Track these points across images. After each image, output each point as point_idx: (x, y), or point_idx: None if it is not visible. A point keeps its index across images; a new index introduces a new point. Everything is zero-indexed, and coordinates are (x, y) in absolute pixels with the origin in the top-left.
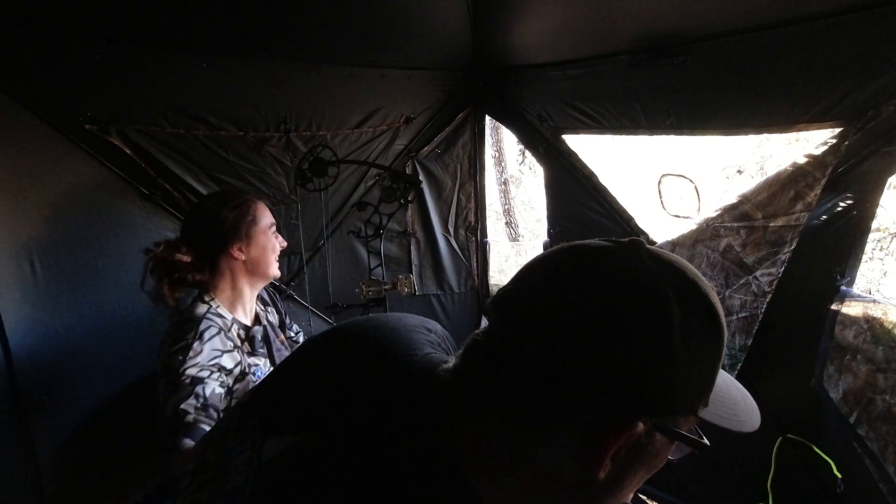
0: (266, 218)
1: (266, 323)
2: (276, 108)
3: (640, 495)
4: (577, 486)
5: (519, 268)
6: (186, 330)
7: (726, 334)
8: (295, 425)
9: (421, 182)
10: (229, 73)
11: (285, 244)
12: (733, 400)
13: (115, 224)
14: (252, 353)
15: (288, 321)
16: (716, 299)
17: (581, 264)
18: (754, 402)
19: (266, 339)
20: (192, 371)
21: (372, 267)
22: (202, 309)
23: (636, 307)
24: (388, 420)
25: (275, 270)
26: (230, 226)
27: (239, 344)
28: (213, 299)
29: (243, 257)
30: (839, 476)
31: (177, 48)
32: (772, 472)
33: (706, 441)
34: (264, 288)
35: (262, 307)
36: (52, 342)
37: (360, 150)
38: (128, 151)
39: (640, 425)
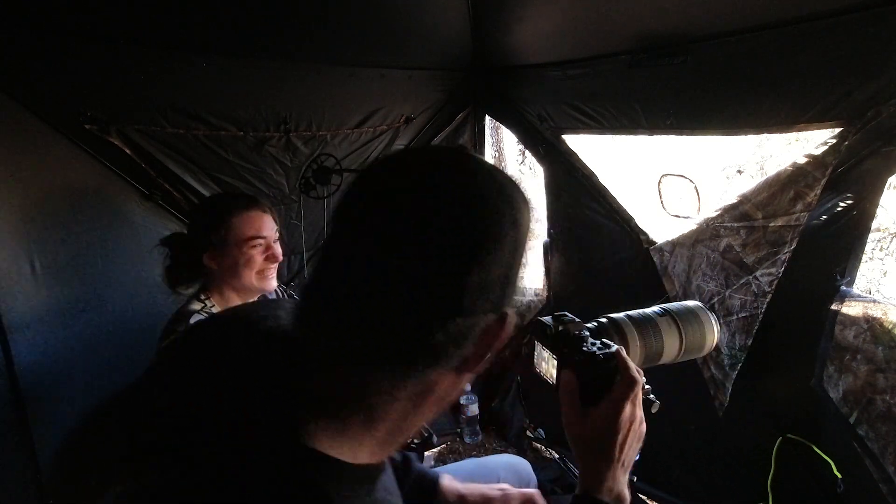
0: (246, 231)
1: None
2: (276, 108)
3: (641, 495)
4: (442, 387)
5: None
6: (178, 324)
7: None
8: (163, 459)
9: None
10: (229, 73)
11: (276, 257)
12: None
13: (115, 224)
14: None
15: None
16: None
17: (417, 170)
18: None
19: None
20: None
21: None
22: (195, 306)
23: (474, 201)
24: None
25: (254, 283)
26: (200, 233)
27: None
28: (207, 299)
29: (215, 266)
30: (839, 476)
31: (177, 48)
32: (772, 472)
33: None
34: (278, 289)
35: None
36: (53, 342)
37: (360, 151)
38: (128, 151)
39: (504, 317)
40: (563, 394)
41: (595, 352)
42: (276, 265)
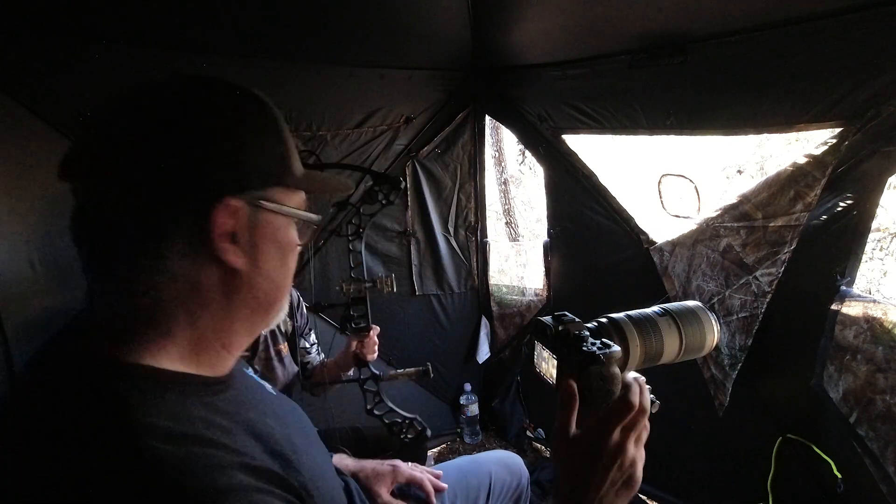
0: None
1: (266, 330)
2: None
3: (641, 495)
4: (224, 283)
5: None
6: None
7: (276, 120)
8: None
9: (402, 182)
10: (229, 74)
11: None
12: (324, 176)
13: None
14: None
15: (306, 331)
16: (258, 92)
17: (123, 104)
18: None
19: (252, 345)
20: None
21: (353, 266)
22: None
23: (170, 115)
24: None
25: None
26: None
27: None
28: None
29: None
30: (839, 476)
31: (177, 48)
32: (772, 472)
33: (312, 215)
34: (291, 294)
35: None
36: None
37: (360, 150)
38: None
39: (234, 203)
40: (560, 405)
41: (595, 351)
42: None
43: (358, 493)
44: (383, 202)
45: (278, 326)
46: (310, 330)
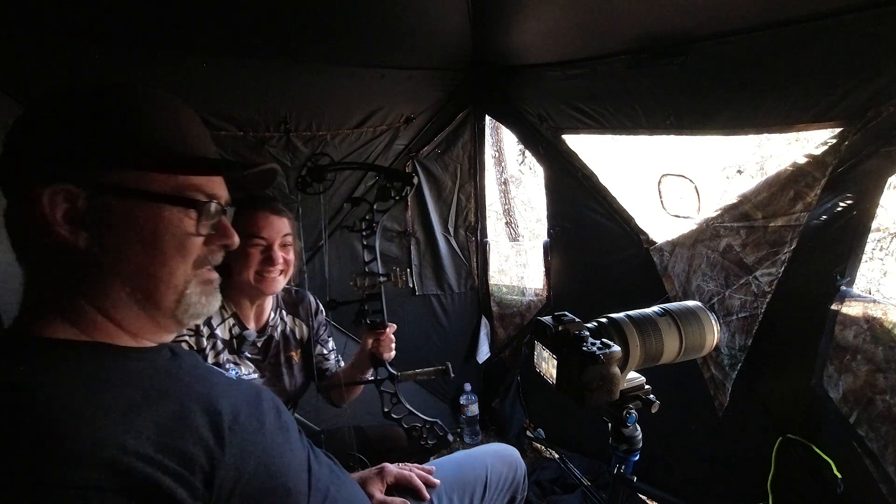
0: (247, 227)
1: (278, 335)
2: (276, 108)
3: (641, 496)
4: (81, 262)
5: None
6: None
7: (130, 103)
8: None
9: (415, 178)
10: (229, 73)
11: (273, 260)
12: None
13: None
14: (234, 352)
15: (324, 338)
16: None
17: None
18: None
19: (263, 349)
20: None
21: (367, 261)
22: None
23: (31, 108)
24: None
25: (251, 282)
26: None
27: (211, 334)
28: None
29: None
30: (839, 476)
31: (177, 48)
32: (772, 472)
33: (199, 196)
34: (310, 300)
35: (290, 319)
36: None
37: (360, 150)
38: None
39: (64, 188)
40: None
41: (595, 351)
42: (275, 268)
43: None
44: (396, 198)
45: (293, 331)
46: (328, 336)
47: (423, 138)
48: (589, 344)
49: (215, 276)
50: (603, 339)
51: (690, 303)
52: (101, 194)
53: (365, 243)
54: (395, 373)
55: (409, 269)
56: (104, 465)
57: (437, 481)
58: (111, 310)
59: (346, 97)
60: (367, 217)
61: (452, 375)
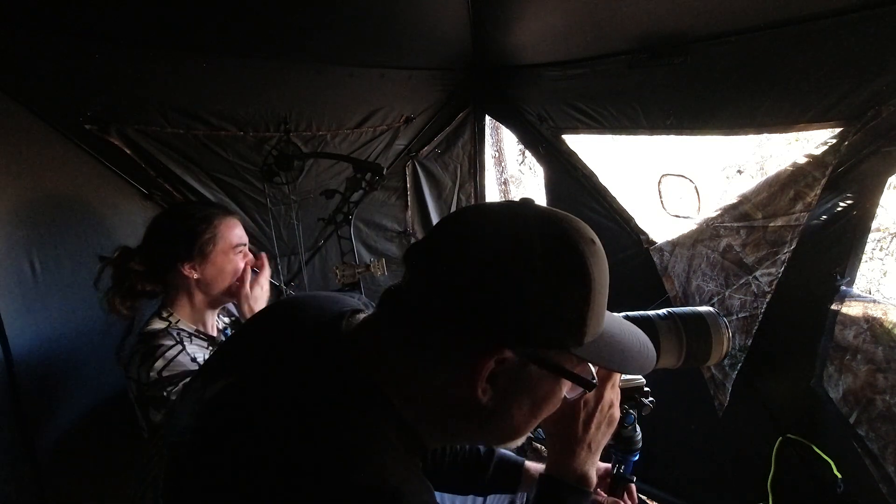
0: (229, 237)
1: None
2: (276, 108)
3: (641, 496)
4: (467, 407)
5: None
6: (151, 342)
7: (595, 282)
8: (228, 371)
9: (383, 168)
10: (229, 73)
11: (257, 262)
12: (626, 347)
13: (115, 224)
14: None
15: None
16: (589, 249)
17: (476, 220)
18: (652, 351)
19: None
20: (171, 388)
21: (344, 252)
22: (159, 325)
23: (501, 254)
24: (307, 358)
25: (236, 290)
26: (182, 244)
27: (205, 347)
28: (171, 314)
29: (196, 276)
30: (839, 476)
31: (177, 48)
32: (772, 472)
33: (594, 379)
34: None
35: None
36: (52, 342)
37: (360, 150)
38: (128, 151)
39: (508, 353)
40: None
41: None
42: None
43: None
44: (366, 188)
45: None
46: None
47: (423, 138)
48: None
49: None
50: None
51: (703, 309)
52: (528, 363)
53: (340, 234)
54: None
55: (384, 259)
56: None
57: None
58: (446, 428)
59: (346, 97)
60: (342, 209)
61: None
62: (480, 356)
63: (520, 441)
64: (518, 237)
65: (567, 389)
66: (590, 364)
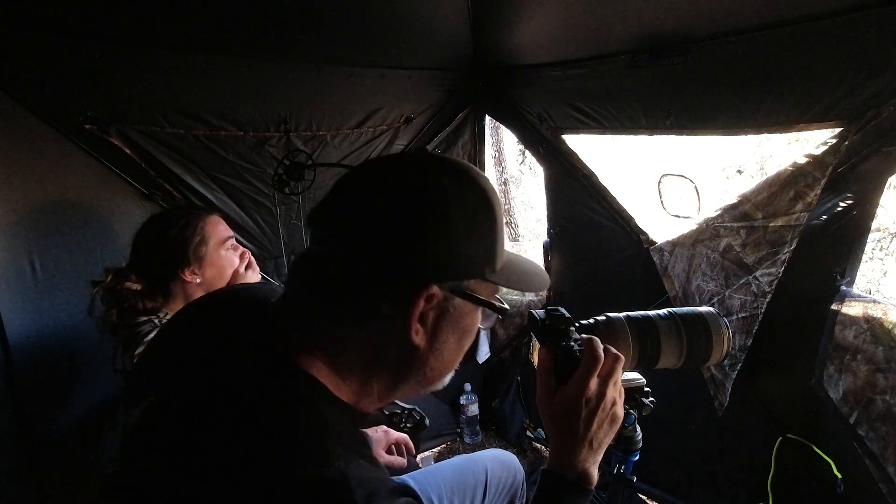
0: (218, 233)
1: None
2: (276, 108)
3: (641, 496)
4: (403, 355)
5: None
6: (135, 334)
7: (498, 211)
8: (147, 391)
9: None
10: (229, 73)
11: (247, 253)
12: (524, 270)
13: (115, 224)
14: None
15: None
16: (488, 184)
17: (372, 172)
18: (545, 273)
19: None
20: None
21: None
22: (147, 327)
23: (415, 193)
24: (228, 359)
25: (230, 282)
26: (177, 250)
27: None
28: (167, 315)
29: (198, 280)
30: (839, 476)
31: (177, 48)
32: (772, 472)
33: (504, 305)
34: None
35: None
36: (52, 342)
37: (360, 151)
38: (128, 151)
39: (436, 289)
40: (539, 372)
41: (572, 346)
42: (244, 261)
43: None
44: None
45: None
46: None
47: (423, 138)
48: (571, 341)
49: None
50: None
51: (703, 309)
52: (452, 297)
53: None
54: None
55: None
56: None
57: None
58: (382, 384)
59: (346, 97)
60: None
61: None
62: (413, 297)
63: (447, 380)
64: (426, 178)
65: (480, 320)
66: (497, 295)
